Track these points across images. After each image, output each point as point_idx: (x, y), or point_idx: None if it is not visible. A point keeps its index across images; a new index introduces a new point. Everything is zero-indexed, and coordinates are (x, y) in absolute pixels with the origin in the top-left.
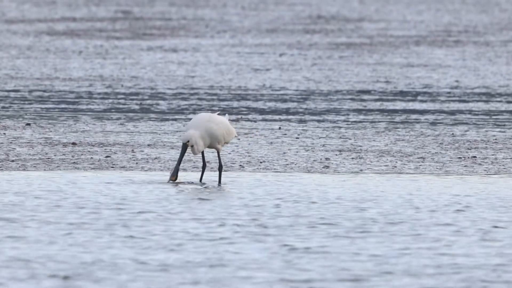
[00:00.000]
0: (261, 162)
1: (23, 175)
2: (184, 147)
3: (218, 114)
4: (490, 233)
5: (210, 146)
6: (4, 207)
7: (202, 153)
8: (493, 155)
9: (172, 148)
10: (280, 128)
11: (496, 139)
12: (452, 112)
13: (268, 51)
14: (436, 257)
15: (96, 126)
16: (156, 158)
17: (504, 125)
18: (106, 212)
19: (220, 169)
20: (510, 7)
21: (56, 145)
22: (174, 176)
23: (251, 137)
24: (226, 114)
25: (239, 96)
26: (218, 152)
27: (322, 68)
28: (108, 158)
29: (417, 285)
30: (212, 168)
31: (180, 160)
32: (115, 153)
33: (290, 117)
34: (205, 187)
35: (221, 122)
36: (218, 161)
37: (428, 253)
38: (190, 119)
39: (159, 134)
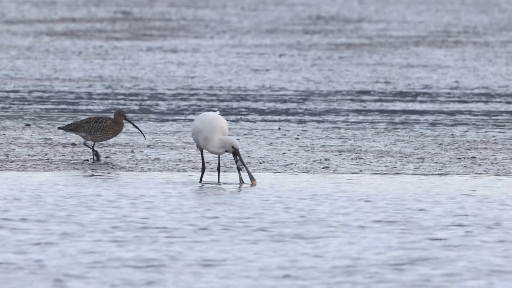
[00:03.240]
0: (260, 163)
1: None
2: (236, 152)
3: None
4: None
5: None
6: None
7: (202, 154)
8: (492, 155)
9: (172, 149)
10: (279, 128)
11: (495, 139)
12: (452, 113)
13: (267, 51)
14: None
15: None
16: (155, 158)
17: (503, 126)
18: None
19: (218, 169)
20: (510, 7)
21: (56, 145)
22: (254, 180)
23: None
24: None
25: (239, 96)
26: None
27: (321, 69)
28: (108, 159)
29: None
30: (211, 168)
31: (243, 163)
32: (114, 153)
33: (289, 117)
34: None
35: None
36: (217, 161)
37: None
38: (190, 119)
39: (159, 135)
